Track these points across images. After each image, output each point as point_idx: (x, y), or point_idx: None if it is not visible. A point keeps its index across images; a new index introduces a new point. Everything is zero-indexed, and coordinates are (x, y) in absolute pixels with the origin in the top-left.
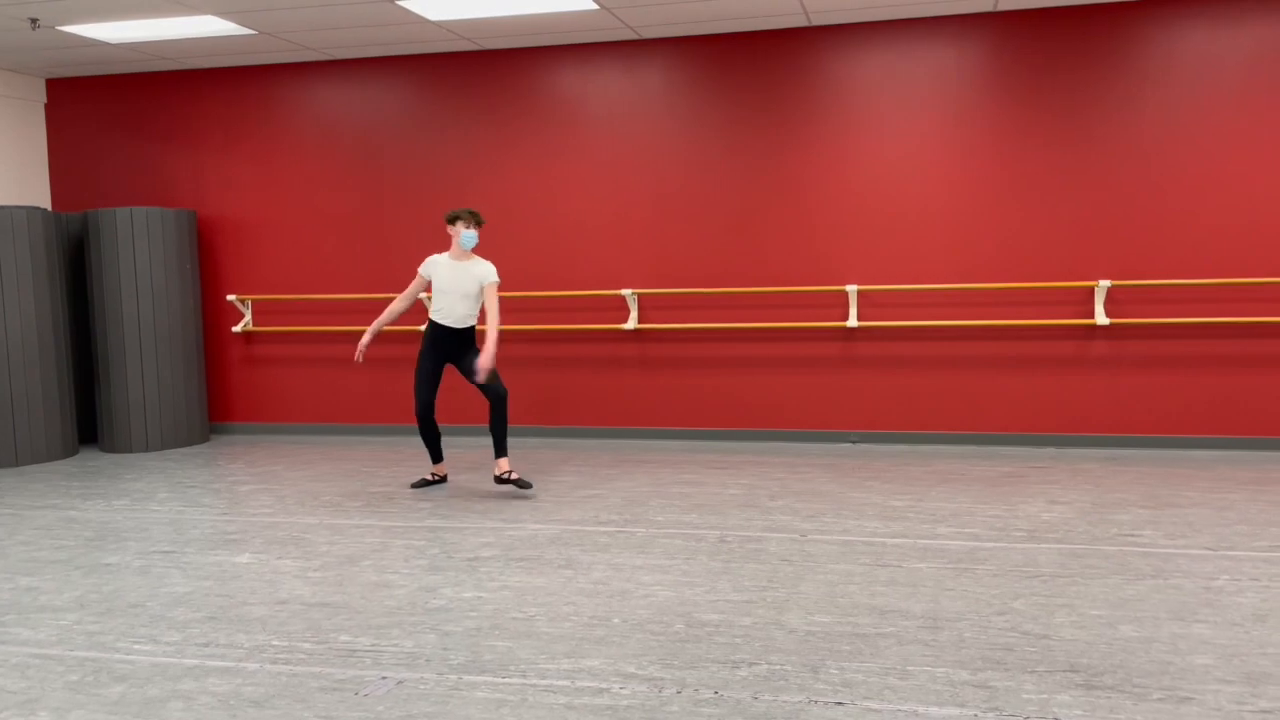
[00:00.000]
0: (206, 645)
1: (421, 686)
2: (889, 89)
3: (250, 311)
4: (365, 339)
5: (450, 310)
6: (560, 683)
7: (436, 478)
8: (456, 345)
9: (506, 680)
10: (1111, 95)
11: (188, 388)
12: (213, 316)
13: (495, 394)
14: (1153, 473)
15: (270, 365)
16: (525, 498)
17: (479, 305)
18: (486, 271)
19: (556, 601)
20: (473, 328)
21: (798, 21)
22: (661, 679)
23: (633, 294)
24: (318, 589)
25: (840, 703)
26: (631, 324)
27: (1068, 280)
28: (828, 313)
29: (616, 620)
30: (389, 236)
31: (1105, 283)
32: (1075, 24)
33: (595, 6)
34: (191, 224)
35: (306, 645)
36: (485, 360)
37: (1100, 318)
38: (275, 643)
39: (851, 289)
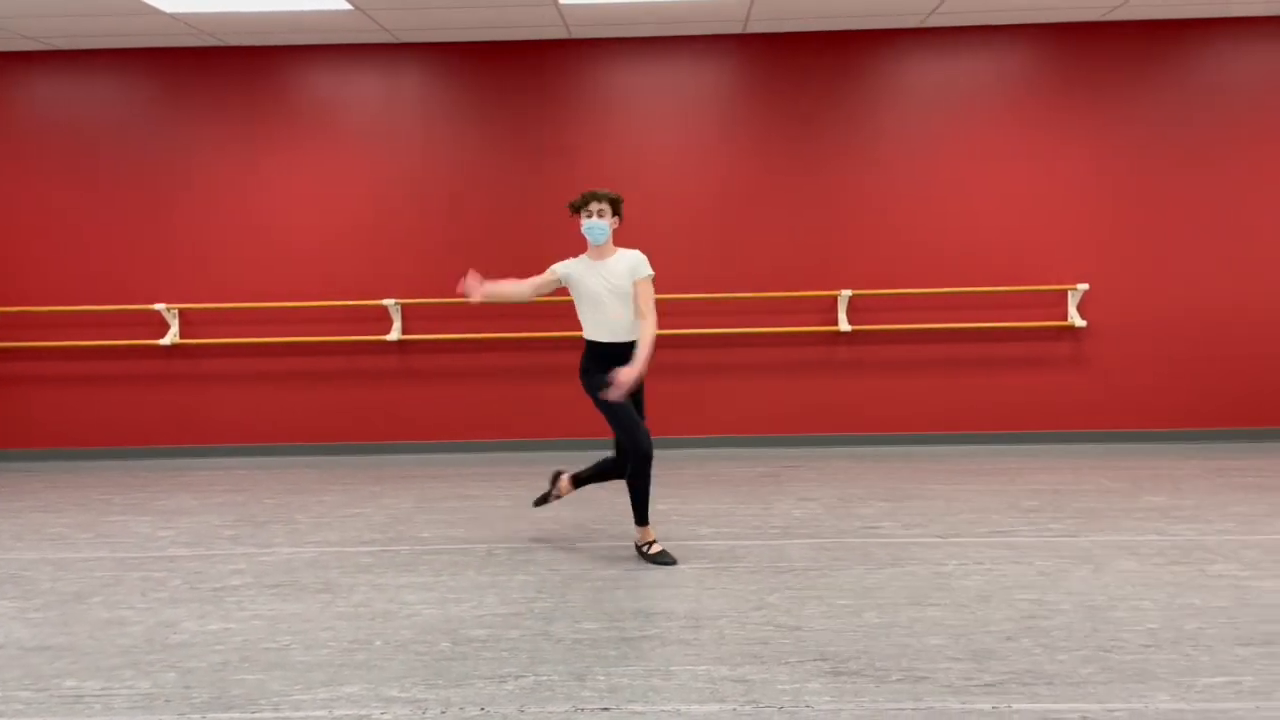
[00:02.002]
0: None
1: None
2: (647, 102)
3: None
4: (483, 287)
5: (607, 320)
6: (317, 713)
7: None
8: (620, 365)
9: (256, 715)
10: (852, 114)
11: None
12: None
13: (634, 447)
14: (893, 468)
15: None
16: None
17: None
18: (638, 263)
19: (313, 628)
20: (635, 344)
21: (558, 33)
22: (425, 700)
23: (395, 304)
24: (38, 630)
25: (606, 708)
26: (395, 335)
27: (813, 290)
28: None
29: (378, 643)
30: (116, 243)
31: (847, 292)
32: (821, 47)
33: (349, 7)
34: None
35: (24, 694)
36: (628, 373)
37: (843, 324)
38: None
39: None
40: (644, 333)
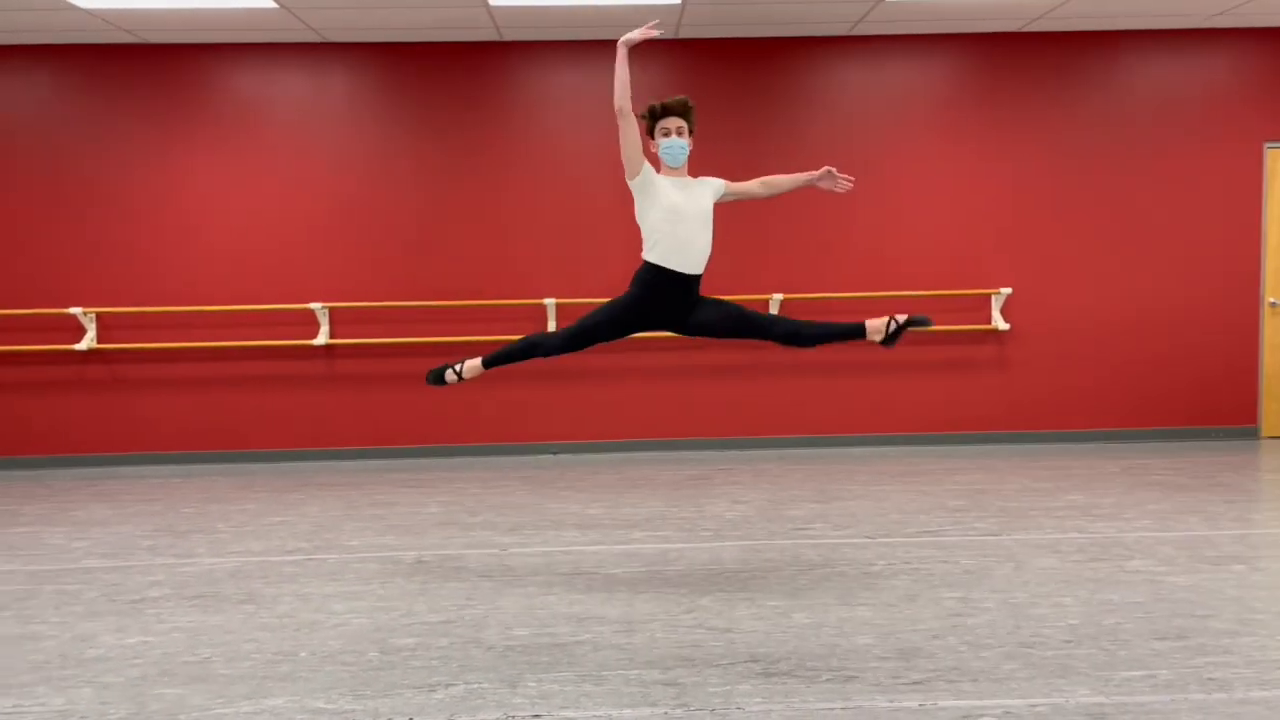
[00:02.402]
0: None
1: None
2: (580, 106)
3: None
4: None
5: (690, 244)
6: None
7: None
8: (683, 301)
9: None
10: (782, 120)
11: None
12: None
13: (790, 330)
14: (822, 470)
15: None
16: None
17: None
18: (717, 181)
19: (236, 640)
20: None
21: (489, 35)
22: (352, 710)
23: (323, 307)
24: None
25: (538, 715)
26: (322, 339)
27: (743, 293)
28: (525, 326)
29: (304, 654)
30: (30, 245)
31: (778, 295)
32: (752, 53)
33: (274, 5)
34: None
35: None
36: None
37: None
38: None
39: (550, 301)
40: (779, 176)
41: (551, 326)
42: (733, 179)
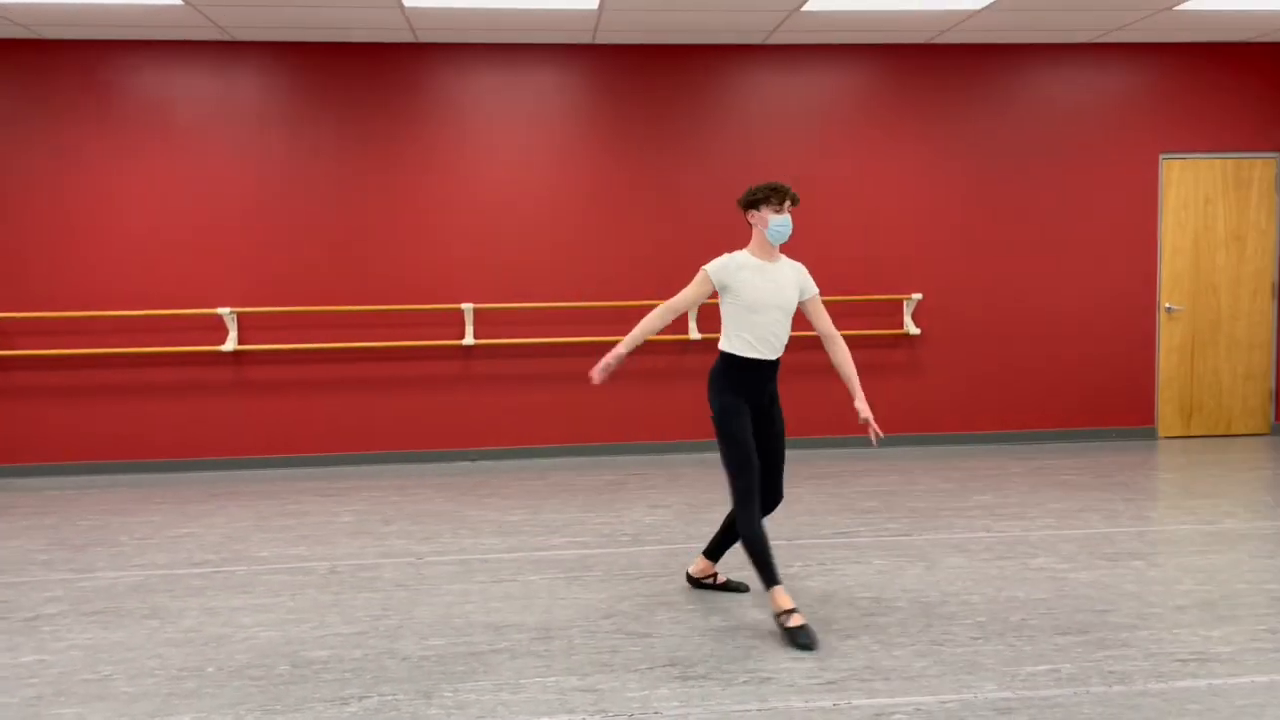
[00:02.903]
0: None
1: None
2: (496, 109)
3: None
4: (617, 354)
5: (771, 333)
6: None
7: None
8: (762, 389)
9: None
10: (698, 127)
11: None
12: None
13: (736, 498)
14: None
15: None
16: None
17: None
18: (806, 276)
19: (139, 656)
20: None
21: (404, 37)
22: None
23: (231, 313)
24: None
25: None
26: (230, 345)
27: (658, 298)
28: (443, 331)
29: (211, 669)
30: None
31: None
32: (669, 60)
33: (179, 1)
34: None
35: None
36: (867, 409)
37: (693, 333)
38: None
39: (467, 307)
40: (846, 354)
41: (469, 334)
42: (649, 186)
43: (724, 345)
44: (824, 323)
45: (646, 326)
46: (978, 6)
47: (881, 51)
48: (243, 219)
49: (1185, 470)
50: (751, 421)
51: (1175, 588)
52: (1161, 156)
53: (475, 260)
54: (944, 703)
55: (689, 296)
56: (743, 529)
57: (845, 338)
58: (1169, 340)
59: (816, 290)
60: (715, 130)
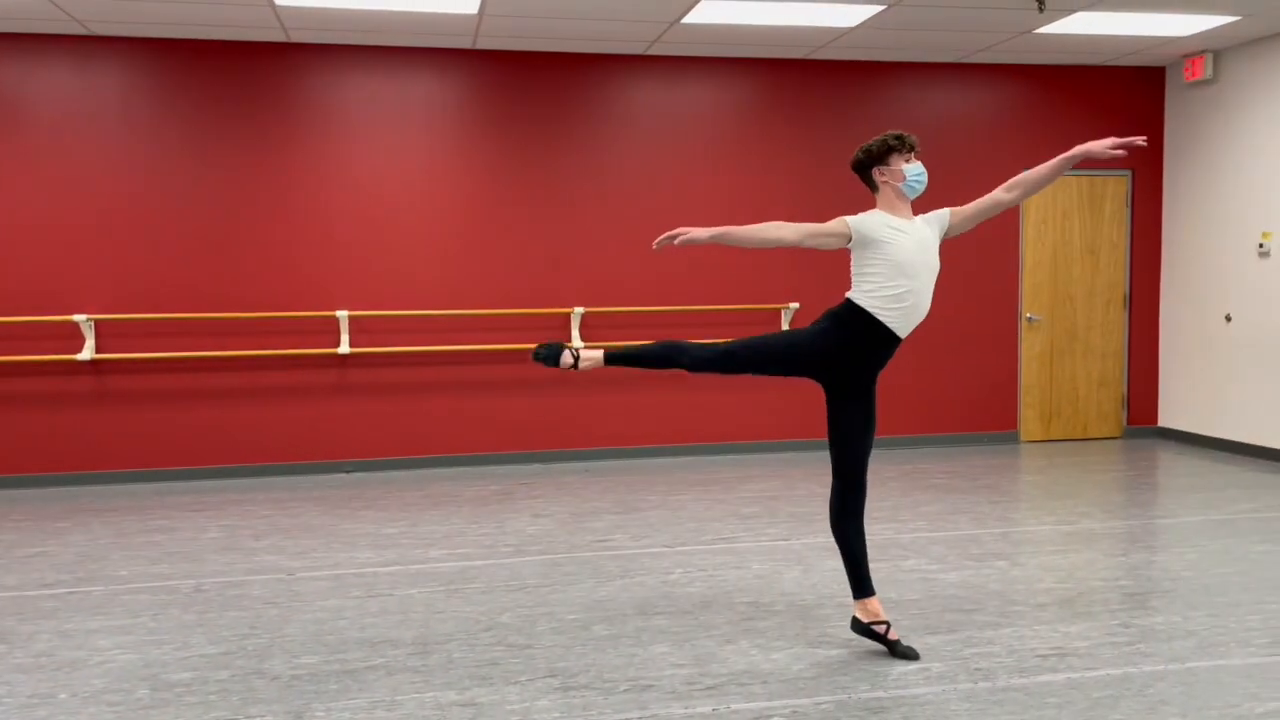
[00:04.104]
0: None
1: None
2: (371, 112)
3: None
4: (698, 234)
5: (919, 303)
6: None
7: (877, 625)
8: (875, 366)
9: None
10: (578, 134)
11: None
12: None
13: (855, 478)
14: (622, 482)
15: None
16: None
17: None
18: (936, 217)
19: None
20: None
21: (276, 36)
22: None
23: (88, 319)
24: None
25: None
26: (87, 354)
27: (545, 307)
28: (318, 339)
29: (63, 695)
30: None
31: (579, 309)
32: (550, 67)
33: None
34: None
35: None
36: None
37: (576, 341)
38: None
39: (342, 314)
40: (1026, 175)
41: (344, 342)
42: (531, 193)
43: (867, 304)
44: (988, 199)
45: (749, 232)
46: (850, 24)
47: (761, 65)
48: (101, 221)
49: (1046, 473)
50: (856, 383)
51: (1036, 586)
52: (1023, 173)
53: (351, 266)
54: (819, 704)
55: (809, 230)
56: (671, 350)
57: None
58: (1030, 349)
59: (946, 210)
60: (597, 138)
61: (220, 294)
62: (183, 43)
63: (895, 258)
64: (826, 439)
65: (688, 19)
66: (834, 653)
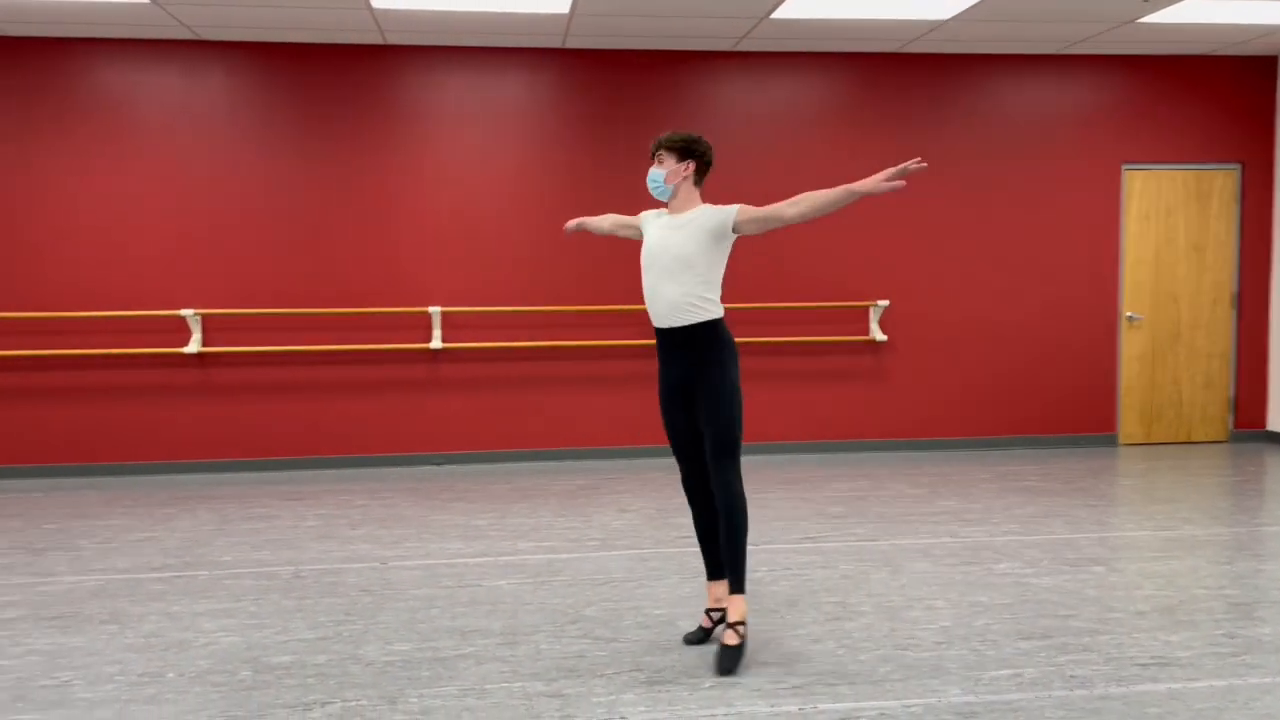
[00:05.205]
0: None
1: None
2: (464, 112)
3: None
4: (577, 223)
5: (651, 297)
6: None
7: (712, 617)
8: (684, 364)
9: None
10: (661, 131)
11: None
12: None
13: (723, 496)
14: None
15: None
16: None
17: (705, 285)
18: (721, 213)
19: (98, 661)
20: (700, 329)
21: (373, 39)
22: None
23: (195, 314)
24: None
25: None
26: (194, 347)
27: (628, 304)
28: (411, 334)
29: (171, 675)
30: None
31: None
32: (639, 65)
33: (146, 0)
34: None
35: None
36: (885, 175)
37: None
38: None
39: (435, 310)
40: (809, 195)
41: (436, 337)
42: (617, 192)
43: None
44: (770, 210)
45: (596, 222)
46: (945, 16)
47: (850, 60)
48: (208, 220)
49: (1145, 477)
50: (683, 392)
51: (1135, 593)
52: (1124, 167)
53: (442, 263)
54: (908, 707)
55: (624, 220)
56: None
57: (808, 345)
58: (1130, 349)
59: (735, 207)
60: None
61: (319, 290)
62: (285, 46)
63: (643, 255)
64: (910, 438)
65: (777, 14)
66: (924, 655)
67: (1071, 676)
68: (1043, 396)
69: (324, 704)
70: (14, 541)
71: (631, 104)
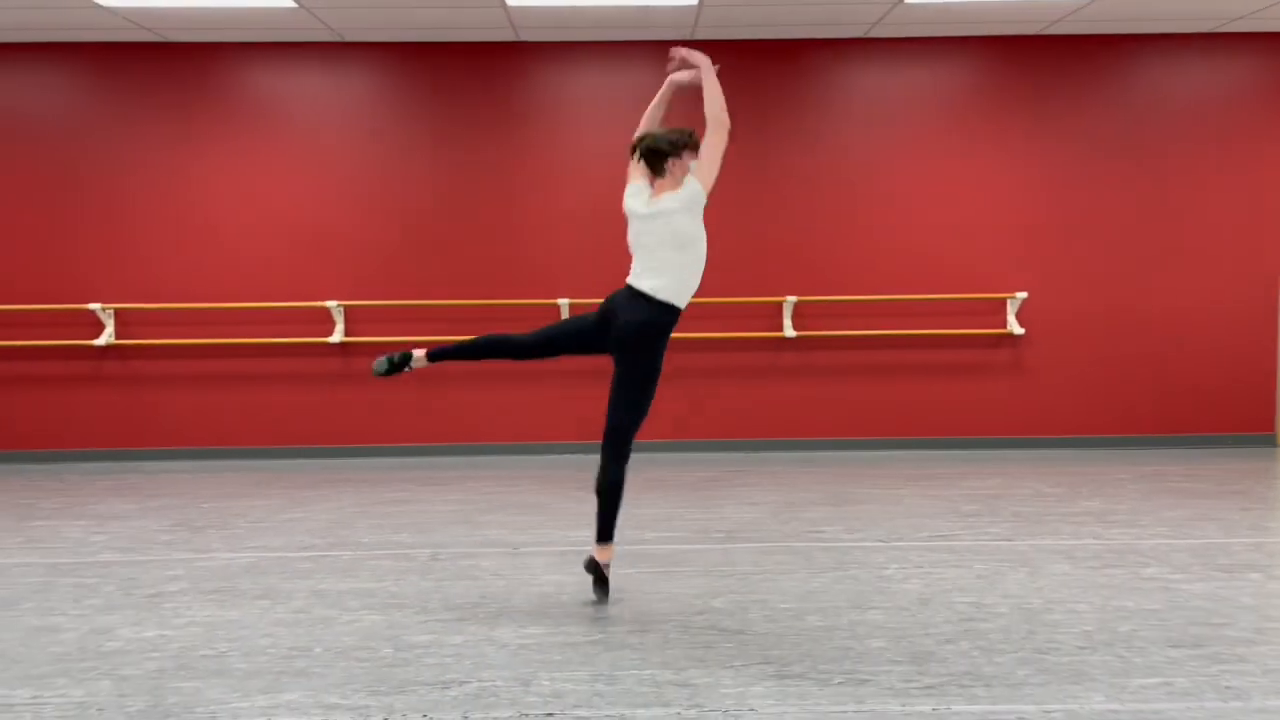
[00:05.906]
0: None
1: None
2: (596, 107)
3: None
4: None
5: (647, 269)
6: None
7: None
8: (637, 325)
9: None
10: (799, 121)
11: None
12: None
13: (612, 473)
14: (835, 473)
15: None
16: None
17: (697, 266)
18: (692, 189)
19: (252, 634)
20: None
21: (506, 36)
22: (367, 706)
23: (339, 305)
24: None
25: (550, 714)
26: (337, 337)
27: (758, 295)
28: (539, 324)
29: (319, 650)
30: (47, 244)
31: (792, 298)
32: (769, 54)
33: (293, 4)
34: None
35: None
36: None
37: (788, 330)
38: None
39: (564, 301)
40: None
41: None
42: (748, 182)
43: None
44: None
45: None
46: None
47: (988, 44)
48: (350, 215)
49: None
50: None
51: None
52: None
53: (572, 255)
54: (1048, 712)
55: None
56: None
57: (943, 337)
58: None
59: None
60: (814, 125)
61: (452, 282)
62: (422, 46)
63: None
64: (1047, 435)
65: None
66: (1064, 660)
67: (1226, 688)
68: (1193, 394)
69: (461, 683)
70: (175, 519)
71: (761, 94)
